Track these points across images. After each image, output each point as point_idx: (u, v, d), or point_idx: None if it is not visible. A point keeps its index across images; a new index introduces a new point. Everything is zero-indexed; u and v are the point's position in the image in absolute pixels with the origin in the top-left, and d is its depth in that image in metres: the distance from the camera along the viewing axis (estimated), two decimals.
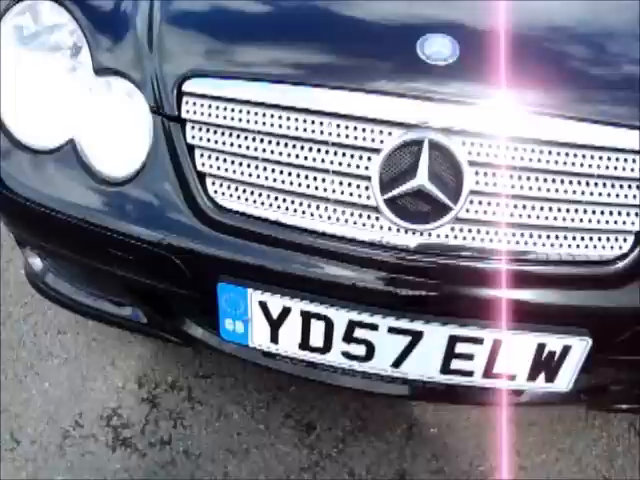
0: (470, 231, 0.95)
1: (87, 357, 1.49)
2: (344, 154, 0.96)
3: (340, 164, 0.96)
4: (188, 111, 1.02)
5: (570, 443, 1.38)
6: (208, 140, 1.01)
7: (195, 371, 1.47)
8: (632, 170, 0.93)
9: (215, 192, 1.02)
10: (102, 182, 1.08)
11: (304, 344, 1.05)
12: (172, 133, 1.04)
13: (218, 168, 1.02)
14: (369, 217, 0.96)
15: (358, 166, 0.95)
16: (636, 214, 0.95)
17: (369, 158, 0.94)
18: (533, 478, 1.32)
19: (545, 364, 1.01)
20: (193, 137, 1.02)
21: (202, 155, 1.02)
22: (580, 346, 0.98)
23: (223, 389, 1.44)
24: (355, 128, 0.95)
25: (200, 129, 1.02)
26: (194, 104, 1.02)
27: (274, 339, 1.06)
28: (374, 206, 0.95)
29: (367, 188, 0.95)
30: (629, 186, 0.94)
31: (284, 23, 1.05)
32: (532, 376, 1.03)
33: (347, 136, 0.95)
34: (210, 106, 1.01)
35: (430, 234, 0.95)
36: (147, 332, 1.28)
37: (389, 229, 0.96)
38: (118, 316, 1.26)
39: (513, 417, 1.41)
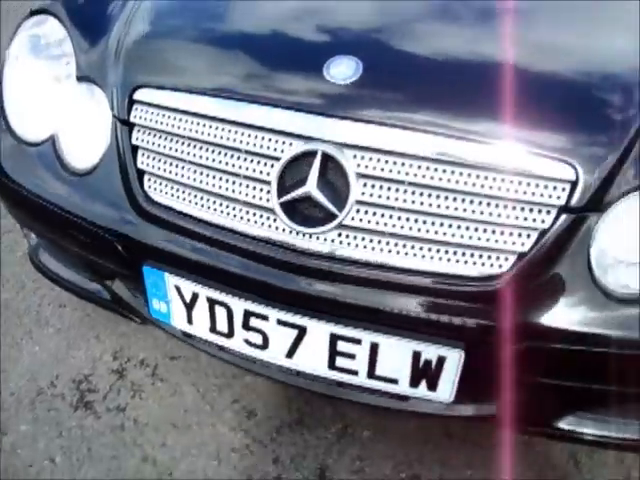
0: (355, 238, 1.03)
1: (77, 329, 1.68)
2: (252, 160, 1.07)
3: (247, 169, 1.07)
4: (135, 116, 1.18)
5: (501, 464, 1.39)
6: (148, 142, 1.17)
7: (165, 352, 1.62)
8: (516, 192, 0.98)
9: (149, 187, 1.17)
10: (69, 172, 1.26)
11: (213, 328, 1.17)
12: (122, 134, 1.20)
13: (154, 167, 1.17)
14: (268, 218, 1.07)
15: (261, 172, 1.06)
16: (519, 235, 0.99)
17: (271, 165, 1.05)
18: None
19: (424, 372, 1.06)
20: (137, 139, 1.18)
21: (142, 155, 1.18)
22: (454, 358, 1.03)
23: (184, 371, 1.58)
24: (262, 138, 1.06)
25: (143, 132, 1.17)
26: (141, 110, 1.18)
27: (190, 321, 1.19)
28: (271, 208, 1.06)
29: (268, 192, 1.06)
30: (513, 207, 0.98)
31: (217, 49, 1.21)
32: (413, 383, 1.08)
33: (254, 145, 1.07)
34: (152, 113, 1.16)
35: (318, 238, 1.04)
36: (111, 308, 1.44)
37: (283, 230, 1.06)
38: (88, 291, 1.44)
39: (451, 430, 1.45)
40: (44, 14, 1.37)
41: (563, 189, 0.97)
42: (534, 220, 0.98)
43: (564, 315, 0.99)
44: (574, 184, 0.97)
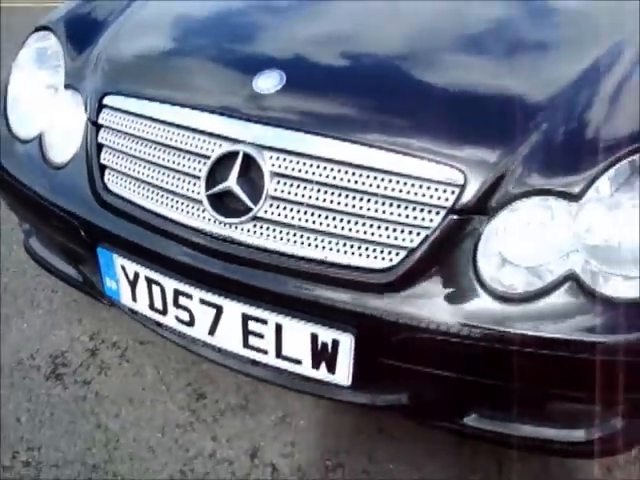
0: (267, 229, 1.16)
1: (64, 312, 1.87)
2: (189, 159, 1.23)
3: (183, 166, 1.23)
4: (102, 118, 1.36)
5: (424, 462, 1.47)
6: (110, 141, 1.35)
7: (136, 337, 1.77)
8: (408, 193, 1.09)
9: (108, 180, 1.34)
10: (49, 166, 1.45)
11: (151, 305, 1.32)
12: (92, 134, 1.38)
13: (113, 162, 1.34)
14: (197, 209, 1.22)
15: (195, 168, 1.22)
16: (409, 232, 1.10)
17: (203, 163, 1.21)
18: None
19: (322, 354, 1.17)
20: (102, 138, 1.36)
21: (105, 152, 1.35)
22: (346, 342, 1.14)
23: (150, 354, 1.73)
24: (198, 139, 1.22)
25: (108, 132, 1.35)
26: (107, 113, 1.36)
27: (134, 298, 1.34)
28: (200, 200, 1.21)
29: (200, 186, 1.22)
30: (405, 207, 1.10)
31: (169, 64, 1.38)
32: (315, 364, 1.19)
33: (192, 145, 1.23)
34: (116, 116, 1.34)
35: (236, 227, 1.18)
36: (84, 290, 1.61)
37: (208, 220, 1.20)
38: (65, 274, 1.61)
39: (383, 426, 1.54)
40: (46, 30, 1.59)
41: (452, 192, 1.08)
42: (423, 219, 1.09)
43: (445, 310, 1.09)
44: (462, 188, 1.08)
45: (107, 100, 1.37)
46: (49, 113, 1.49)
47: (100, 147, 1.37)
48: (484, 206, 1.09)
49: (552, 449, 1.26)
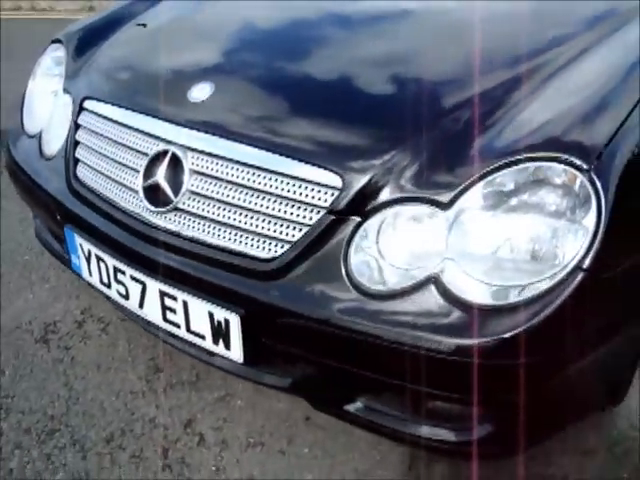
0: (184, 218, 1.36)
1: (66, 289, 2.14)
2: (135, 155, 1.45)
3: (129, 161, 1.46)
4: (81, 119, 1.61)
5: (339, 451, 1.58)
6: (85, 139, 1.59)
7: (121, 315, 2.01)
8: (294, 193, 1.25)
9: (79, 171, 1.59)
10: (43, 157, 1.72)
11: (101, 280, 1.53)
12: (73, 133, 1.64)
13: (85, 157, 1.58)
14: (136, 198, 1.43)
15: (137, 164, 1.43)
16: (293, 228, 1.25)
17: (144, 159, 1.42)
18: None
19: (219, 331, 1.33)
20: (79, 136, 1.61)
21: (80, 148, 1.60)
22: (235, 321, 1.29)
23: (127, 330, 1.96)
24: (143, 139, 1.44)
25: (84, 131, 1.60)
26: (85, 115, 1.61)
27: (90, 273, 1.56)
28: (137, 191, 1.42)
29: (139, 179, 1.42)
30: (292, 205, 1.25)
31: (131, 77, 1.65)
32: (215, 340, 1.35)
33: (137, 144, 1.45)
34: (91, 117, 1.59)
35: (161, 215, 1.38)
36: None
37: (142, 208, 1.41)
38: (58, 253, 1.86)
39: (312, 415, 1.66)
40: (59, 42, 1.88)
41: (332, 194, 1.23)
42: (304, 217, 1.24)
43: (317, 300, 1.23)
44: (340, 191, 1.22)
45: (86, 104, 1.62)
46: (49, 113, 1.76)
47: (77, 144, 1.62)
48: (360, 209, 1.22)
49: (430, 447, 1.34)
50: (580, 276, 1.12)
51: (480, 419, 1.28)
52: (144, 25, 1.87)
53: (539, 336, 1.13)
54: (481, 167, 1.19)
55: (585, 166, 1.14)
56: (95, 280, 1.56)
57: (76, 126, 1.62)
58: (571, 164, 1.15)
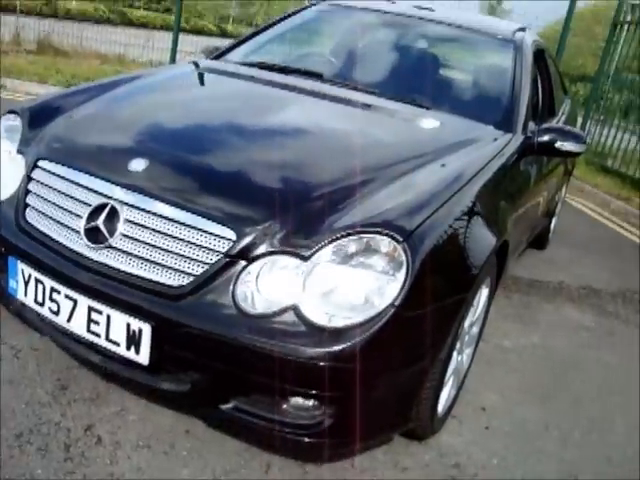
0: (115, 253, 1.81)
1: None
2: (79, 205, 1.91)
3: (74, 209, 1.91)
4: (34, 174, 2.05)
5: (212, 459, 1.98)
6: (35, 189, 2.03)
7: (31, 344, 2.33)
8: (201, 240, 1.76)
9: (27, 214, 2.01)
10: None
11: (35, 299, 1.92)
12: (24, 184, 2.07)
13: (34, 203, 2.01)
14: (78, 237, 1.87)
15: (80, 211, 1.89)
16: (197, 264, 1.75)
17: (87, 208, 1.88)
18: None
19: (132, 338, 1.77)
20: (30, 186, 2.04)
21: (30, 196, 2.03)
22: (147, 330, 1.74)
23: (37, 357, 2.28)
24: (87, 193, 1.91)
25: (35, 183, 2.04)
26: (37, 171, 2.05)
27: (25, 293, 1.94)
28: (79, 231, 1.86)
29: (81, 222, 1.87)
30: (198, 249, 1.76)
31: (83, 144, 2.13)
32: (128, 346, 1.78)
33: (82, 196, 1.91)
34: (42, 173, 2.04)
35: (97, 251, 1.83)
36: None
37: (82, 245, 1.85)
38: None
39: (194, 429, 2.06)
40: (15, 114, 2.33)
41: (227, 243, 1.75)
42: (206, 257, 1.75)
43: (209, 317, 1.72)
44: (234, 242, 1.75)
45: (40, 163, 2.07)
46: (1, 168, 2.18)
47: (27, 192, 2.05)
48: (246, 255, 1.75)
49: (283, 442, 1.80)
50: (392, 310, 1.69)
51: (322, 412, 1.77)
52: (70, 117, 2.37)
53: (363, 350, 1.67)
54: (331, 235, 1.77)
55: (401, 239, 1.75)
56: (29, 299, 1.94)
57: (29, 179, 2.06)
58: (393, 237, 1.75)
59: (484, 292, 2.35)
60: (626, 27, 8.68)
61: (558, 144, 2.77)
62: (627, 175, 7.78)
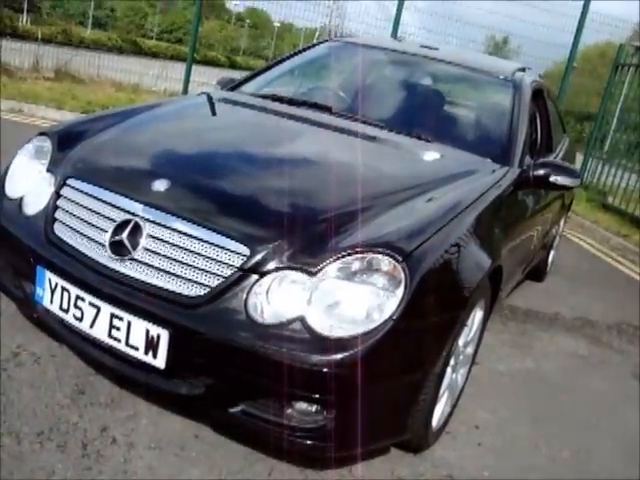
0: (138, 265, 1.97)
1: (3, 330, 2.58)
2: (105, 220, 2.08)
3: (100, 224, 2.08)
4: (63, 191, 2.23)
5: (219, 462, 2.10)
6: (64, 205, 2.20)
7: (52, 351, 2.47)
8: (218, 255, 1.93)
9: (56, 227, 2.18)
10: (23, 216, 2.29)
11: (60, 306, 2.07)
12: (54, 200, 2.24)
13: (62, 218, 2.19)
14: (103, 250, 2.03)
15: (106, 226, 2.06)
16: (213, 276, 1.91)
17: (112, 223, 2.05)
18: None
19: (151, 343, 1.92)
20: (59, 203, 2.22)
21: (59, 211, 2.20)
22: (165, 336, 1.89)
23: (56, 363, 2.42)
24: (112, 210, 2.09)
25: (63, 200, 2.22)
26: (66, 188, 2.23)
27: (51, 301, 2.10)
28: (104, 244, 2.03)
29: (107, 236, 2.04)
30: (214, 263, 1.92)
31: (110, 167, 2.31)
32: (146, 350, 1.93)
33: (109, 213, 2.08)
34: (71, 190, 2.21)
35: (122, 262, 2.00)
36: (20, 302, 2.35)
37: (107, 257, 2.01)
38: (9, 290, 2.36)
39: (203, 434, 2.19)
40: (45, 135, 2.51)
41: (241, 258, 1.91)
42: (221, 271, 1.91)
43: (224, 326, 1.87)
44: (247, 257, 1.91)
45: (69, 181, 2.24)
46: (31, 184, 2.36)
47: (56, 208, 2.22)
48: (258, 270, 1.91)
49: (289, 443, 1.94)
50: (391, 324, 1.84)
51: (325, 416, 1.90)
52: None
53: (362, 358, 1.82)
54: (337, 254, 1.93)
55: (400, 259, 1.91)
56: (55, 306, 2.10)
57: (57, 196, 2.23)
58: (393, 257, 1.91)
59: (478, 314, 2.49)
60: (626, 69, 8.97)
61: (552, 178, 2.94)
62: (627, 212, 7.95)
